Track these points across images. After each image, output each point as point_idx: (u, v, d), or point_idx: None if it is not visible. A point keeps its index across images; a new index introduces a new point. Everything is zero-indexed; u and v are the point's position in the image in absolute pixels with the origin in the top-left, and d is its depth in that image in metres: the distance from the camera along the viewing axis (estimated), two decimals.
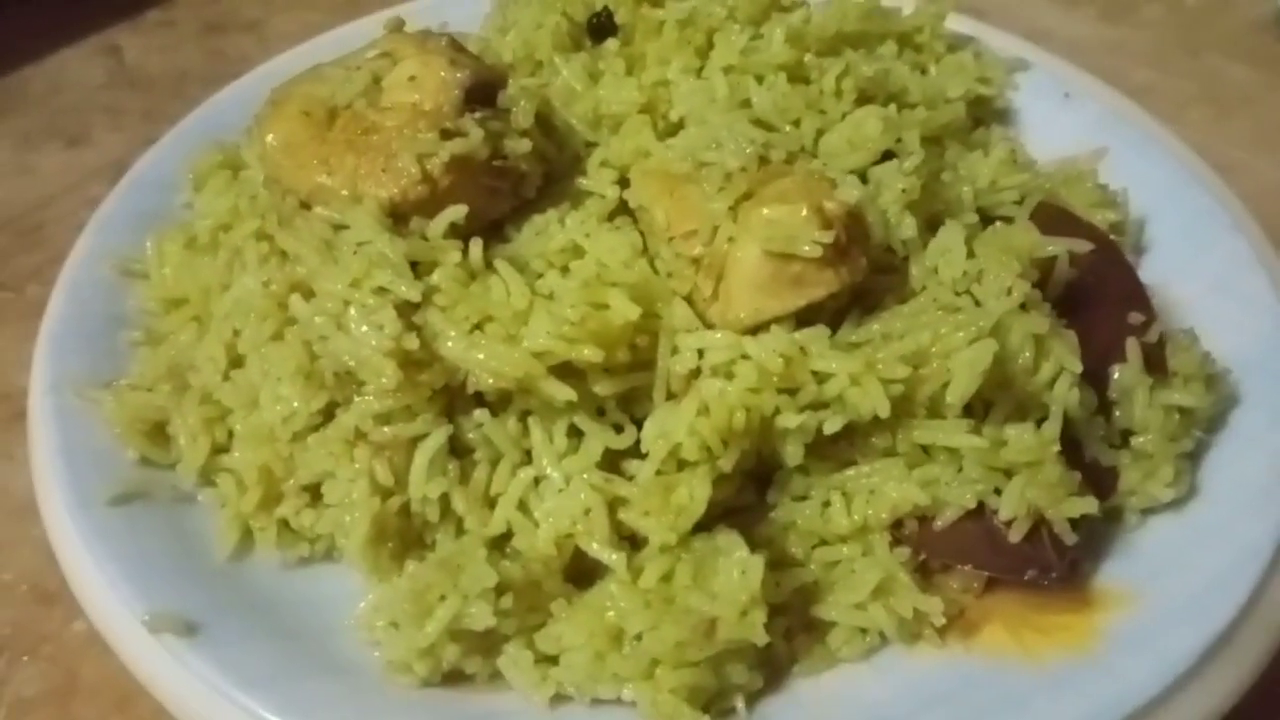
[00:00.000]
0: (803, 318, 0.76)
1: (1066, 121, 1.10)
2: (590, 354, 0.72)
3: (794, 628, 0.75)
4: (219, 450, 0.82)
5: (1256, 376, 0.86)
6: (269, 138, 0.85)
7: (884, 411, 0.72)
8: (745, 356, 0.74)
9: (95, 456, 0.80)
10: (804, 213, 0.73)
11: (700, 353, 0.75)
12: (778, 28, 0.93)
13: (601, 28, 1.02)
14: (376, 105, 0.86)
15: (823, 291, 0.75)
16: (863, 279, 0.77)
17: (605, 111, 0.93)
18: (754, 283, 0.75)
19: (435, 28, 1.11)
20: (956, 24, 1.15)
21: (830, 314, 0.78)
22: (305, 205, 0.84)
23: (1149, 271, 0.97)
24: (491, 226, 0.86)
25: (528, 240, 0.85)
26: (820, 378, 0.73)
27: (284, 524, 0.78)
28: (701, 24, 0.97)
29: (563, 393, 0.73)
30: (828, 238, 0.73)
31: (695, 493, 0.71)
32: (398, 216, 0.81)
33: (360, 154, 0.83)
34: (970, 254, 0.80)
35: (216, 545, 0.78)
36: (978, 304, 0.78)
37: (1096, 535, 0.79)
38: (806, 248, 0.73)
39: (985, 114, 1.10)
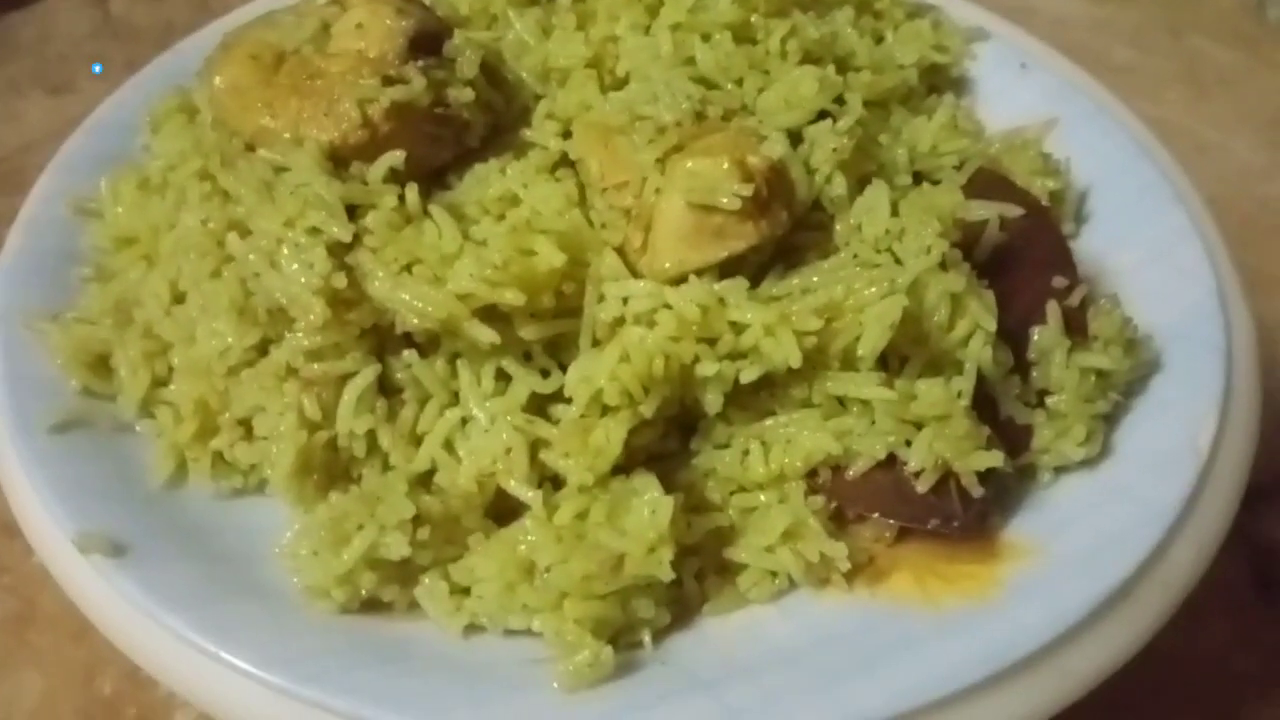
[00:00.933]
0: (726, 270, 0.78)
1: (1022, 92, 1.11)
2: (512, 298, 0.74)
3: (706, 569, 0.77)
4: (159, 383, 0.84)
5: (1182, 344, 0.88)
6: (216, 80, 0.87)
7: (795, 362, 0.74)
8: (667, 306, 0.76)
9: (39, 385, 0.82)
10: (725, 166, 0.75)
11: (625, 301, 0.77)
12: None
13: None
14: (324, 51, 0.88)
15: (743, 244, 0.77)
16: (785, 233, 0.79)
17: (553, 65, 0.94)
18: (677, 234, 0.77)
19: None
20: None
21: (754, 267, 0.80)
22: (250, 147, 0.87)
23: (1090, 240, 0.99)
24: (434, 174, 0.88)
25: (468, 188, 0.86)
26: (737, 328, 0.75)
27: (219, 456, 0.81)
28: None
29: (486, 335, 0.75)
30: (747, 190, 0.75)
31: (611, 435, 0.73)
32: (338, 160, 0.83)
33: (304, 98, 0.84)
34: (895, 213, 0.82)
35: (151, 473, 0.80)
36: (898, 261, 0.79)
37: (1009, 491, 0.81)
38: (726, 200, 0.75)
39: (941, 82, 1.11)
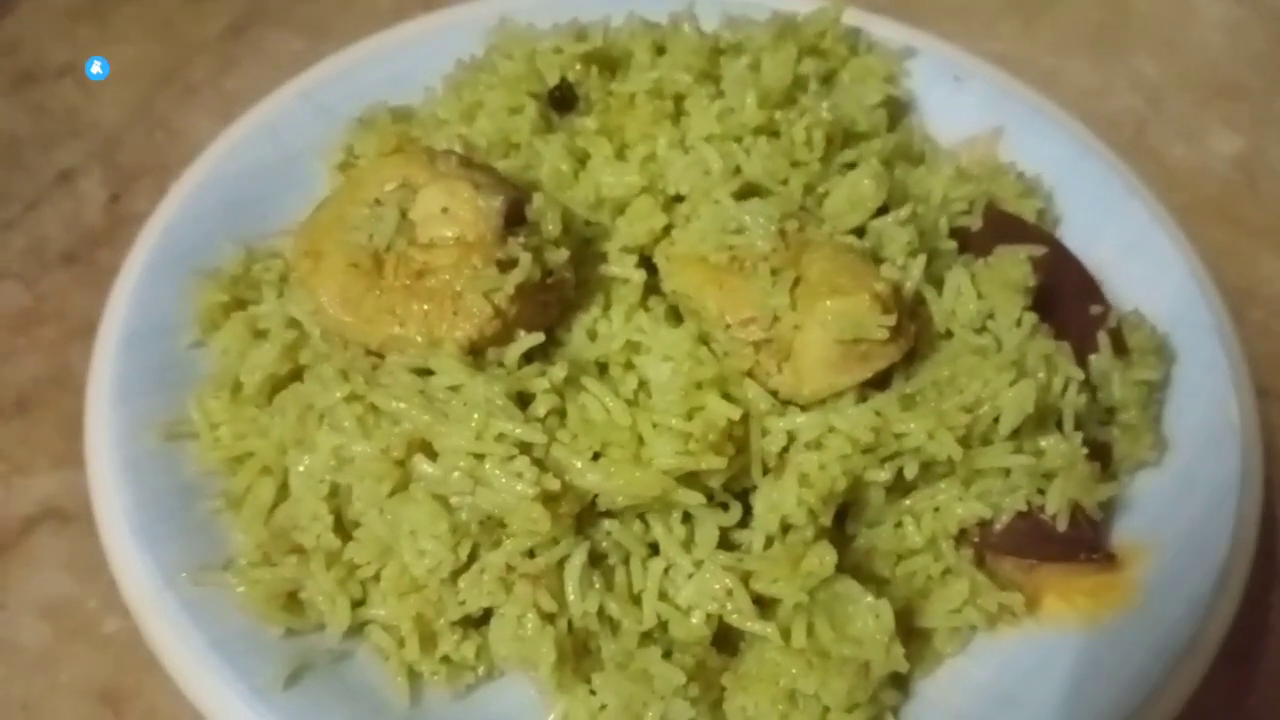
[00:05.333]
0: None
1: (960, 105, 1.22)
2: (715, 463, 0.81)
3: (903, 638, 0.89)
4: (356, 604, 0.86)
5: (1179, 330, 1.03)
6: (323, 298, 0.87)
7: (957, 456, 0.86)
8: (833, 429, 0.85)
9: (248, 643, 0.82)
10: (867, 302, 0.84)
11: (789, 434, 0.86)
12: (748, 93, 1.00)
13: (563, 99, 1.07)
14: (415, 242, 0.89)
15: (886, 362, 0.87)
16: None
17: (608, 195, 0.99)
18: (826, 362, 0.86)
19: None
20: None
21: (883, 371, 0.90)
22: (374, 353, 0.88)
23: (1065, 243, 1.14)
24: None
25: (582, 343, 0.91)
26: (899, 436, 0.86)
27: (446, 659, 0.85)
28: (668, 92, 1.03)
29: (696, 499, 0.82)
30: (891, 320, 0.84)
31: (825, 559, 0.83)
32: (474, 352, 0.86)
33: (425, 299, 0.86)
34: (979, 294, 0.93)
35: (391, 695, 0.83)
36: (997, 339, 0.92)
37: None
38: (878, 334, 0.84)
39: (894, 109, 1.22)
